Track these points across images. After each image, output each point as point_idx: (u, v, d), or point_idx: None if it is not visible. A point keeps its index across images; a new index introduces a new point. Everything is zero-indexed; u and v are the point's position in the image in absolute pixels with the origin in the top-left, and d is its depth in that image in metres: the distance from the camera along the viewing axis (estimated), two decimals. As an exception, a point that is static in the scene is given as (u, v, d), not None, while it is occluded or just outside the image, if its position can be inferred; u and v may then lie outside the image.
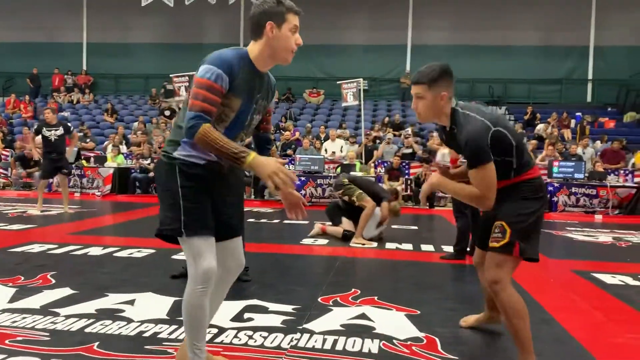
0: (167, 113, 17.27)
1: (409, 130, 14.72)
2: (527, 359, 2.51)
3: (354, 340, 2.83)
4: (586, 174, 11.17)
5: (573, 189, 10.75)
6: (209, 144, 2.01)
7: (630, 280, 4.57)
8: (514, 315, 2.50)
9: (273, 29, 2.20)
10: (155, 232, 2.26)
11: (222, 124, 2.14)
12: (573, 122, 16.64)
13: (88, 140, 15.04)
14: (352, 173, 11.03)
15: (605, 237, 7.35)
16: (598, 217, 10.04)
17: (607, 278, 4.63)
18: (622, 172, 12.24)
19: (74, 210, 8.88)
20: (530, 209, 2.53)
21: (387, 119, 16.81)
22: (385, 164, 12.51)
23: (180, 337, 2.80)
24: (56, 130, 8.57)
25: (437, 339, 2.90)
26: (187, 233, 2.15)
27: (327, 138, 14.09)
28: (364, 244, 6.00)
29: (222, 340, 2.78)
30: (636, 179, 11.97)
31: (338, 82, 14.52)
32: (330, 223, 6.67)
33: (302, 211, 2.23)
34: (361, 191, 6.26)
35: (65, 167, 8.69)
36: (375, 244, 6.08)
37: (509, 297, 2.53)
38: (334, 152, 13.23)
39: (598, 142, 14.77)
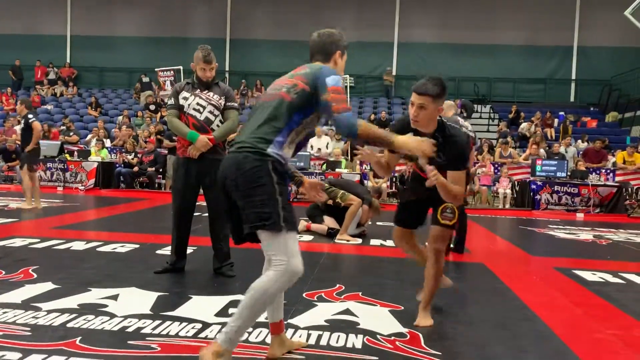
0: (152, 107, 17.15)
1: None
2: (427, 307, 3.17)
3: (338, 336, 2.84)
4: (568, 173, 11.31)
5: (555, 188, 10.88)
6: (370, 135, 2.29)
7: (610, 278, 4.64)
8: (440, 277, 3.25)
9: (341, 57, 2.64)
10: (247, 230, 2.27)
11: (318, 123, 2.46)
12: (556, 121, 16.84)
13: (71, 133, 14.87)
14: (337, 170, 11.06)
15: (586, 235, 7.46)
16: (580, 216, 10.18)
17: (588, 275, 4.70)
18: (603, 171, 12.41)
19: (57, 204, 8.78)
20: None
21: (372, 116, 16.84)
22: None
23: (164, 332, 2.79)
24: (20, 123, 8.39)
25: (420, 335, 2.92)
26: (287, 227, 2.23)
27: (312, 135, 14.07)
28: (348, 240, 6.04)
29: (207, 335, 2.78)
30: (617, 178, 12.16)
31: (324, 79, 14.49)
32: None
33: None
34: (344, 191, 6.32)
35: (21, 161, 8.17)
36: (360, 240, 6.12)
37: (441, 267, 3.20)
38: (319, 149, 13.24)
39: (579, 141, 14.96)
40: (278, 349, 2.56)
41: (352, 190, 6.47)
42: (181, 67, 14.56)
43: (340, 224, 6.29)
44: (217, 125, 4.15)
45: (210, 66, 4.12)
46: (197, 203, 4.31)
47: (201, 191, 4.24)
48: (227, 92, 4.25)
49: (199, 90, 4.15)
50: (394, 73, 20.28)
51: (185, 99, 4.12)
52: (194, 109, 4.10)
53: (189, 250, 4.85)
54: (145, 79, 19.42)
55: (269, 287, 2.27)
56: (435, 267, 3.15)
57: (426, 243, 3.28)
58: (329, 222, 6.41)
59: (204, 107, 4.12)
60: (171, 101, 4.17)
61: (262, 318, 3.07)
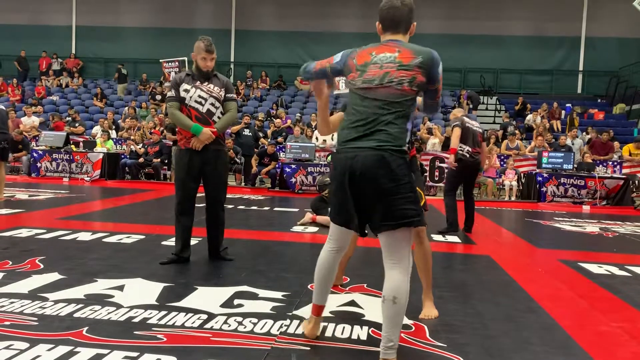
0: (159, 98, 17.19)
1: None
2: (430, 293, 3.20)
3: (343, 327, 2.85)
4: (575, 165, 11.26)
5: (562, 180, 10.83)
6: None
7: (616, 270, 4.63)
8: (430, 257, 3.23)
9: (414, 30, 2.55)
10: (398, 224, 2.26)
11: None
12: (563, 113, 16.74)
13: (77, 124, 14.90)
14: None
15: (592, 228, 7.43)
16: (586, 208, 10.14)
17: (594, 268, 4.68)
18: (610, 163, 12.35)
19: (63, 195, 8.82)
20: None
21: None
22: None
23: (170, 323, 2.80)
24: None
25: (425, 327, 2.92)
26: (424, 223, 2.37)
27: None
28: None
29: (212, 326, 2.79)
30: (624, 171, 12.10)
31: (330, 70, 14.44)
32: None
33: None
34: None
35: None
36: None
37: (428, 244, 3.22)
38: (325, 141, 13.21)
39: (584, 133, 14.88)
40: (318, 329, 2.70)
41: None
42: (186, 58, 14.54)
43: None
44: (218, 117, 4.21)
45: (212, 56, 4.16)
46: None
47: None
48: (227, 83, 4.30)
49: (199, 82, 4.17)
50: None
51: (187, 91, 4.14)
52: (196, 101, 4.14)
53: (194, 241, 4.87)
54: (124, 71, 19.53)
55: (408, 288, 2.35)
56: (423, 247, 3.17)
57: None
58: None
59: (206, 100, 4.16)
60: (171, 93, 4.18)
61: (267, 309, 3.09)
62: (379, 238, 2.36)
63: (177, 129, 4.36)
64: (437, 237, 5.94)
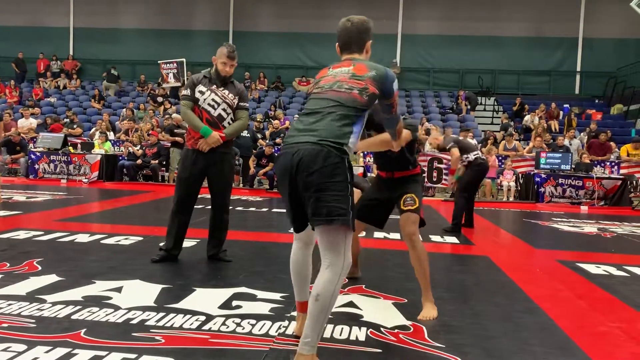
0: (160, 100, 17.21)
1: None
2: (429, 294, 3.22)
3: (342, 328, 2.85)
4: (573, 166, 11.27)
5: (560, 180, 10.85)
6: (399, 131, 2.85)
7: (614, 271, 4.63)
8: (425, 259, 3.26)
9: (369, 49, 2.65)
10: (324, 219, 2.24)
11: None
12: (561, 113, 16.77)
13: (75, 126, 14.88)
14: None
15: (590, 228, 7.44)
16: (584, 208, 10.16)
17: (592, 268, 4.69)
18: (608, 163, 12.37)
19: (60, 196, 8.80)
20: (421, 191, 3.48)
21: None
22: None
23: (168, 324, 2.80)
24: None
25: (424, 327, 2.92)
26: (352, 226, 2.28)
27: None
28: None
29: (210, 328, 2.78)
30: (622, 171, 12.12)
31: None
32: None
33: None
34: None
35: None
36: (363, 233, 6.09)
37: (422, 245, 3.30)
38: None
39: (582, 134, 14.92)
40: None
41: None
42: (184, 60, 14.53)
43: None
44: (228, 123, 4.26)
45: (232, 62, 4.23)
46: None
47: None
48: (242, 92, 4.36)
49: (215, 86, 4.22)
50: (396, 65, 20.21)
51: (202, 92, 4.20)
52: (209, 104, 4.20)
53: (193, 242, 4.87)
54: (114, 72, 19.56)
55: (336, 288, 2.27)
56: (416, 251, 3.25)
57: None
58: None
59: (219, 104, 4.21)
60: (187, 92, 4.23)
61: (265, 310, 3.09)
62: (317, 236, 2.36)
63: (187, 129, 4.40)
64: (436, 238, 5.95)
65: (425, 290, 3.23)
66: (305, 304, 2.55)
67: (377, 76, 2.43)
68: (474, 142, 6.81)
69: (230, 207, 4.79)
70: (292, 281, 2.68)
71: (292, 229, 2.57)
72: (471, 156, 6.57)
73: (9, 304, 3.03)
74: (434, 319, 3.07)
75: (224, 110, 4.22)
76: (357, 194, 6.13)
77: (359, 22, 2.57)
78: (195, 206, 4.45)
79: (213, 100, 4.19)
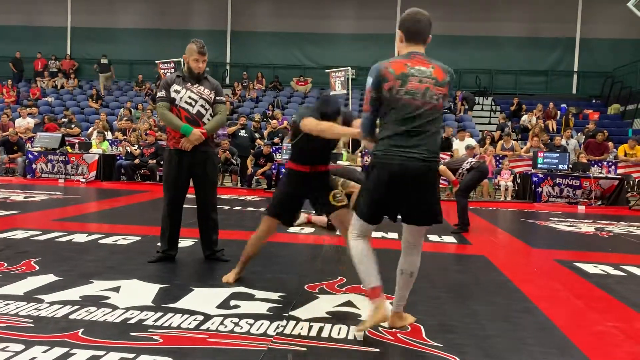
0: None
1: None
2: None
3: (340, 328, 2.85)
4: (570, 165, 11.29)
5: (557, 180, 10.87)
6: None
7: (611, 270, 4.65)
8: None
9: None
10: (433, 220, 2.74)
11: None
12: (558, 113, 16.80)
13: (73, 126, 14.85)
14: (339, 162, 11.05)
15: (587, 228, 7.45)
16: (581, 208, 10.17)
17: (589, 267, 4.70)
18: (605, 163, 12.39)
19: (58, 196, 8.79)
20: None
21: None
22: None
23: (166, 324, 2.80)
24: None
25: (421, 327, 2.92)
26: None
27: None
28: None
29: (208, 327, 2.78)
30: (619, 171, 12.14)
31: (326, 71, 14.47)
32: (315, 212, 6.67)
33: None
34: (344, 179, 6.25)
35: None
36: (380, 235, 6.03)
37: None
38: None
39: (580, 134, 14.95)
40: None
41: (352, 176, 6.41)
42: (182, 59, 14.55)
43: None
44: (208, 119, 4.23)
45: (203, 58, 4.20)
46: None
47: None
48: (217, 86, 4.34)
49: (189, 83, 4.20)
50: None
51: (177, 92, 4.16)
52: (186, 102, 4.16)
53: (190, 242, 4.87)
54: (104, 61, 19.55)
55: None
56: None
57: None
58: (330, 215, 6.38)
59: (196, 101, 4.19)
60: (162, 93, 4.19)
61: (263, 310, 3.09)
62: (407, 227, 2.77)
63: (166, 130, 4.37)
64: (433, 238, 5.95)
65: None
66: (381, 288, 2.73)
67: (451, 81, 2.67)
68: (469, 142, 6.84)
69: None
70: (370, 271, 2.73)
71: (358, 225, 2.79)
72: (466, 165, 6.74)
73: (7, 304, 3.03)
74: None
75: (202, 106, 4.19)
76: (357, 189, 6.13)
77: (429, 17, 2.71)
78: (192, 206, 4.45)
79: (190, 97, 4.16)
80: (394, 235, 6.06)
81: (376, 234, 6.03)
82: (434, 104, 2.59)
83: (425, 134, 2.58)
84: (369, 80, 2.63)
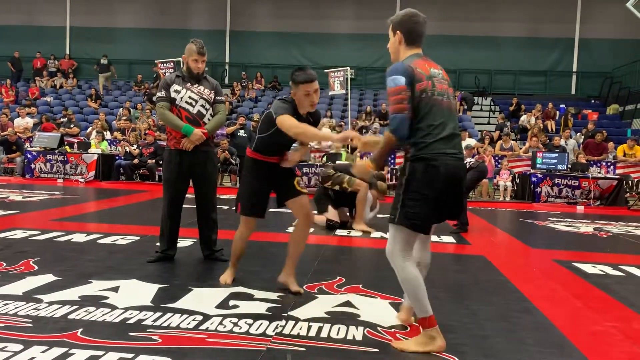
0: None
1: None
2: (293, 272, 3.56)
3: (339, 328, 2.85)
4: (569, 166, 11.30)
5: (556, 180, 10.87)
6: None
7: (610, 270, 4.65)
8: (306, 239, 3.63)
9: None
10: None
11: None
12: (557, 113, 16.82)
13: (72, 125, 14.85)
14: (337, 162, 11.04)
15: (586, 228, 7.46)
16: (580, 208, 10.18)
17: (588, 268, 4.70)
18: (604, 163, 12.40)
19: (57, 196, 8.78)
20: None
21: (368, 108, 16.82)
22: (371, 154, 12.51)
23: (165, 324, 2.80)
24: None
25: (420, 327, 2.92)
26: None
27: (313, 127, 14.03)
28: (365, 231, 6.04)
29: (207, 327, 2.78)
30: (618, 171, 12.15)
31: (325, 71, 14.48)
32: (316, 212, 6.65)
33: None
34: (350, 177, 6.24)
35: None
36: (379, 235, 6.01)
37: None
38: (320, 141, 13.21)
39: (579, 134, 14.96)
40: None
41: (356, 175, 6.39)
42: (181, 59, 14.54)
43: (350, 211, 6.32)
44: (208, 119, 4.24)
45: (203, 58, 4.22)
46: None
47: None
48: (216, 86, 4.35)
49: (189, 83, 4.20)
50: (394, 65, 20.24)
51: (177, 92, 4.17)
52: (187, 102, 4.17)
53: (189, 242, 4.87)
54: (104, 61, 19.56)
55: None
56: (306, 231, 3.58)
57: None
58: (330, 214, 6.36)
59: (196, 101, 4.19)
60: (162, 94, 4.19)
61: (262, 310, 3.09)
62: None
63: (166, 130, 4.37)
64: (432, 238, 5.92)
65: (292, 268, 3.55)
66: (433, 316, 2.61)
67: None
68: (469, 142, 6.91)
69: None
70: (425, 298, 2.58)
71: (409, 242, 2.64)
72: (472, 160, 6.88)
73: (6, 304, 3.02)
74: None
75: (202, 106, 4.20)
76: (363, 186, 6.13)
77: (425, 18, 2.71)
78: (191, 206, 4.45)
79: (190, 97, 4.17)
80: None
81: (375, 235, 6.03)
82: (452, 104, 2.65)
83: (459, 134, 2.70)
84: (400, 80, 2.47)
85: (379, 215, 7.25)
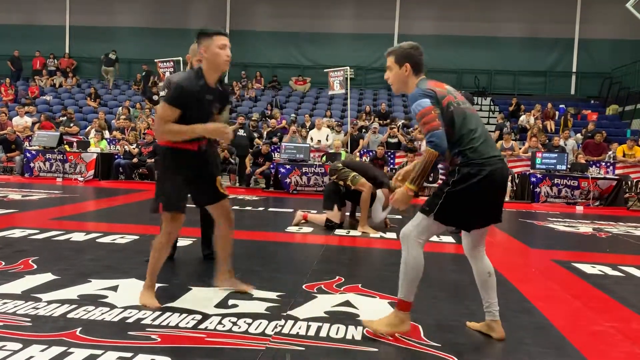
0: (156, 98, 17.17)
1: (402, 121, 14.78)
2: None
3: (338, 327, 2.85)
4: (568, 166, 11.31)
5: (555, 180, 10.88)
6: None
7: (609, 270, 4.65)
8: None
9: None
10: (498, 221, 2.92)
11: None
12: (557, 114, 16.83)
13: (72, 124, 14.84)
14: (349, 159, 11.04)
15: (585, 228, 7.46)
16: (579, 208, 10.18)
17: (587, 268, 4.71)
18: (603, 164, 12.41)
19: (56, 195, 8.78)
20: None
21: (368, 107, 16.83)
22: (371, 153, 12.53)
23: (164, 323, 2.80)
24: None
25: (420, 327, 2.92)
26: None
27: (312, 126, 14.06)
28: (369, 233, 5.95)
29: (207, 327, 2.78)
30: (617, 171, 12.16)
31: (325, 70, 14.48)
32: (315, 211, 6.64)
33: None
34: (355, 174, 6.17)
35: None
36: (378, 235, 6.00)
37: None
38: (319, 141, 13.23)
39: (579, 134, 14.97)
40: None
41: (367, 174, 6.23)
42: (181, 58, 14.50)
43: (354, 209, 6.32)
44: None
45: None
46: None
47: None
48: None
49: None
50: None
51: None
52: None
53: (189, 241, 4.87)
54: (112, 56, 19.58)
55: None
56: (232, 232, 3.41)
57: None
58: (332, 214, 6.29)
59: None
60: (165, 92, 4.17)
61: (261, 309, 3.08)
62: (479, 230, 2.89)
63: None
64: (432, 238, 5.93)
65: (227, 269, 3.43)
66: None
67: None
68: None
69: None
70: (414, 283, 2.73)
71: (432, 231, 2.82)
72: None
73: (4, 303, 3.02)
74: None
75: None
76: (367, 187, 6.11)
77: None
78: (191, 205, 4.44)
79: None
80: (392, 235, 6.08)
81: (375, 235, 6.04)
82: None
83: (482, 131, 2.75)
84: (425, 102, 2.64)
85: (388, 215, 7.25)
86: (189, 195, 3.26)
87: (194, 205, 4.36)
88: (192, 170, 3.18)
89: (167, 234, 3.17)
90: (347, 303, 3.31)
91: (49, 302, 3.07)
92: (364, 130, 14.37)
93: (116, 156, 12.55)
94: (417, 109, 2.65)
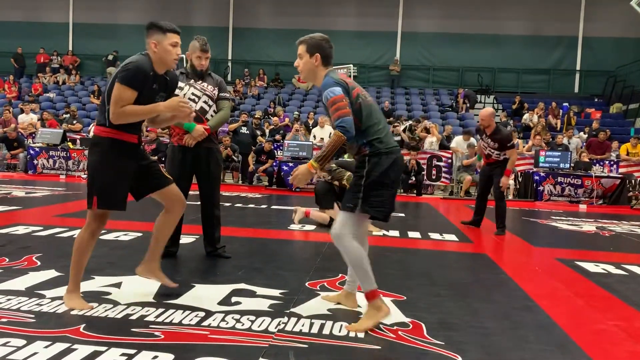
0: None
1: (410, 123, 14.76)
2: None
3: (341, 325, 2.85)
4: (572, 164, 11.28)
5: (559, 179, 10.86)
6: None
7: (612, 269, 4.64)
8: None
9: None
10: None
11: None
12: (561, 112, 16.79)
13: (75, 121, 14.86)
14: (339, 159, 11.02)
15: (589, 227, 7.45)
16: (582, 207, 10.17)
17: (591, 266, 4.70)
18: (607, 162, 12.38)
19: (59, 192, 8.80)
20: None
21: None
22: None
23: (167, 320, 2.80)
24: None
25: (423, 324, 2.92)
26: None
27: (315, 124, 14.06)
28: (372, 231, 5.89)
29: (210, 324, 2.78)
30: (621, 170, 12.13)
31: (328, 68, 14.44)
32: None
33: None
34: (350, 174, 6.17)
35: None
36: (381, 232, 5.99)
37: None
38: (322, 139, 13.21)
39: (582, 132, 14.93)
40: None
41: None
42: (184, 56, 14.59)
43: None
44: (211, 115, 4.24)
45: (206, 55, 4.22)
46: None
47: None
48: (220, 82, 4.35)
49: (192, 80, 4.21)
50: (397, 63, 20.21)
51: (180, 88, 4.16)
52: (190, 99, 4.16)
53: (192, 238, 4.87)
54: (110, 57, 19.64)
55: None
56: (178, 218, 3.28)
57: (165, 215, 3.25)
58: (331, 213, 6.30)
59: (199, 97, 4.19)
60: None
61: (265, 307, 3.09)
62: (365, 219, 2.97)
63: (170, 126, 4.37)
64: (435, 236, 5.95)
65: (159, 251, 3.33)
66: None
67: None
68: (471, 141, 6.83)
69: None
70: (370, 274, 2.87)
71: (357, 225, 2.91)
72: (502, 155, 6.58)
73: (8, 299, 3.03)
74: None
75: (205, 102, 4.20)
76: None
77: None
78: (194, 203, 4.45)
79: (193, 94, 4.17)
80: (394, 233, 6.08)
81: (377, 233, 6.04)
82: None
83: (383, 121, 2.98)
84: (337, 89, 2.78)
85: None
86: (127, 188, 3.09)
87: (196, 203, 4.36)
88: (133, 163, 3.01)
89: (91, 232, 3.06)
90: (350, 301, 3.30)
91: (53, 299, 3.07)
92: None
93: (119, 153, 12.55)
94: (330, 95, 2.77)
